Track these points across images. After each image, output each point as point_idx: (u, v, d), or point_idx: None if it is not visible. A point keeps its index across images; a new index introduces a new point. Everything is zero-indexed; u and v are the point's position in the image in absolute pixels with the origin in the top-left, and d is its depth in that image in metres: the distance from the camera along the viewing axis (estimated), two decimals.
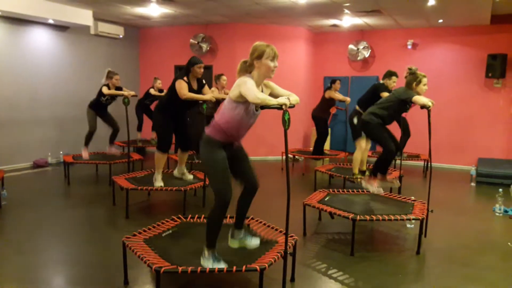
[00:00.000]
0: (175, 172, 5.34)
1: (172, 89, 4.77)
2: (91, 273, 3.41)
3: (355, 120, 5.87)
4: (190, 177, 5.25)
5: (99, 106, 6.69)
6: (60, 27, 8.05)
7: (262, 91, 3.02)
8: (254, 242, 3.17)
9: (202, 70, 4.80)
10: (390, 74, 5.77)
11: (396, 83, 5.73)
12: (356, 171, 5.94)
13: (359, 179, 5.90)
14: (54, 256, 3.82)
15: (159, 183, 4.99)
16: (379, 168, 4.67)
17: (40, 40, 7.78)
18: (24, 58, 7.52)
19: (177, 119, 4.99)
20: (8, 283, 3.21)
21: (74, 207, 5.30)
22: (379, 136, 4.60)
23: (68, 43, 8.30)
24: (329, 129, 8.20)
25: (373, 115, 4.55)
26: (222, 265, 2.87)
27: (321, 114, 7.74)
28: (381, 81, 5.87)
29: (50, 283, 3.27)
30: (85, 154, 6.75)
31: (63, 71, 8.25)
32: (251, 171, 3.11)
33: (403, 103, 4.40)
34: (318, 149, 7.85)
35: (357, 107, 5.92)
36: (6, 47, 7.20)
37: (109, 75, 6.50)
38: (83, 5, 7.41)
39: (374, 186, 4.64)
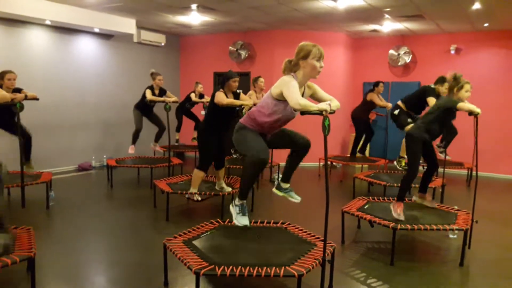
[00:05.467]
0: (215, 187, 5.42)
1: (213, 102, 4.85)
2: (132, 273, 3.51)
3: (396, 112, 5.74)
4: (228, 189, 5.30)
5: (144, 107, 7.10)
6: (105, 36, 8.37)
7: (304, 92, 3.03)
8: (296, 197, 3.35)
9: (237, 84, 4.88)
10: (442, 80, 5.62)
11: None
12: (403, 154, 5.85)
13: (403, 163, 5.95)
14: (97, 255, 3.96)
15: (196, 197, 5.11)
16: (404, 190, 4.22)
17: (86, 48, 8.12)
18: (72, 65, 7.86)
19: (220, 136, 5.03)
20: (55, 281, 3.36)
21: (117, 209, 5.48)
22: (413, 154, 4.21)
23: (112, 50, 8.62)
24: (373, 131, 8.05)
25: (419, 129, 4.21)
26: (245, 219, 3.18)
27: (361, 115, 7.70)
28: (432, 86, 5.72)
29: (93, 282, 3.39)
30: (131, 151, 7.29)
31: (107, 77, 8.57)
32: (297, 135, 3.20)
33: (448, 112, 4.14)
34: (354, 149, 7.80)
35: (399, 102, 5.82)
36: (55, 55, 7.56)
37: (153, 76, 6.81)
38: (127, 14, 7.68)
39: (397, 211, 4.05)
